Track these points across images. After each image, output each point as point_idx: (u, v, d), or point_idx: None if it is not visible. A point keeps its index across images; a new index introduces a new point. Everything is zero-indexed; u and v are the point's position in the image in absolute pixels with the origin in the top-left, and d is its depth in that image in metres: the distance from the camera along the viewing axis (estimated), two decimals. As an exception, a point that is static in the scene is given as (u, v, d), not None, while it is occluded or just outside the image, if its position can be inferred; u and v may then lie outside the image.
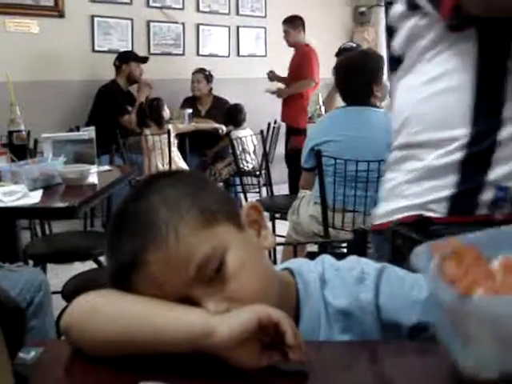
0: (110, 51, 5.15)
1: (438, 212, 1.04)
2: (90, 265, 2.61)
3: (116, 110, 4.73)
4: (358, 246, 1.24)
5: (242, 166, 4.54)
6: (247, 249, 0.76)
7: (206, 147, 5.19)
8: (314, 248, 2.87)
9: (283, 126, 5.25)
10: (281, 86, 5.34)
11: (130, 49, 5.24)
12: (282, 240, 2.90)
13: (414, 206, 1.08)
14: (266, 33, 6.21)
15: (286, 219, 2.99)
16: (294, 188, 4.88)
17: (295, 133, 4.98)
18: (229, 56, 6.11)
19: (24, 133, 2.57)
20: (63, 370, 0.75)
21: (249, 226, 0.81)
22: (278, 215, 3.61)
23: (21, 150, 2.51)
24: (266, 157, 4.14)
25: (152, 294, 0.71)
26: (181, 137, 4.86)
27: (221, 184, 4.81)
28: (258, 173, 4.75)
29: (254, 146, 4.90)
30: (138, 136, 4.60)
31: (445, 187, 1.04)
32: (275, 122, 5.12)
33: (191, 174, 0.82)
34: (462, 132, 1.02)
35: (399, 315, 0.80)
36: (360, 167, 2.46)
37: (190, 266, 0.70)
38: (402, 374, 0.61)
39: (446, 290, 0.52)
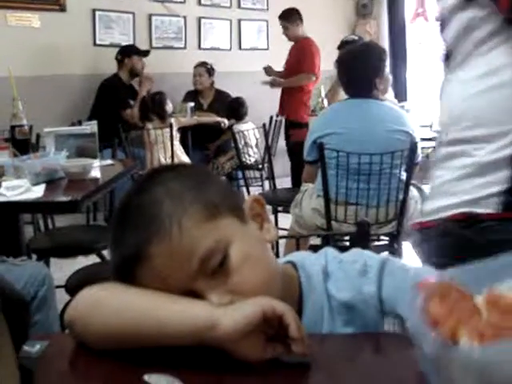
0: (111, 45, 5.14)
1: (489, 208, 1.02)
2: (93, 259, 2.61)
3: (118, 103, 4.73)
4: (361, 238, 1.24)
5: (244, 159, 4.54)
6: (250, 242, 0.76)
7: (208, 141, 5.19)
8: (316, 241, 2.87)
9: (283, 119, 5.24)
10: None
11: (131, 43, 5.23)
12: (285, 233, 2.90)
13: (463, 202, 1.05)
14: (267, 26, 6.19)
15: (288, 212, 2.99)
16: (297, 181, 4.88)
17: (296, 126, 4.96)
18: (230, 49, 6.10)
19: (26, 127, 2.57)
20: (68, 363, 0.75)
21: (252, 219, 0.81)
22: (280, 208, 3.61)
23: (23, 144, 2.51)
24: (269, 150, 4.13)
25: (155, 286, 0.72)
26: (183, 131, 4.86)
27: (223, 178, 4.81)
28: (260, 166, 4.75)
29: (257, 139, 4.89)
30: (140, 130, 4.60)
31: (496, 183, 1.01)
32: (277, 116, 5.11)
33: (194, 168, 0.82)
34: None
35: (402, 307, 0.80)
36: (362, 160, 2.46)
37: (193, 259, 0.70)
38: (405, 366, 0.62)
39: (429, 338, 0.52)
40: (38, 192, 2.00)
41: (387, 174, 2.50)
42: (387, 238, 2.71)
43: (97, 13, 5.09)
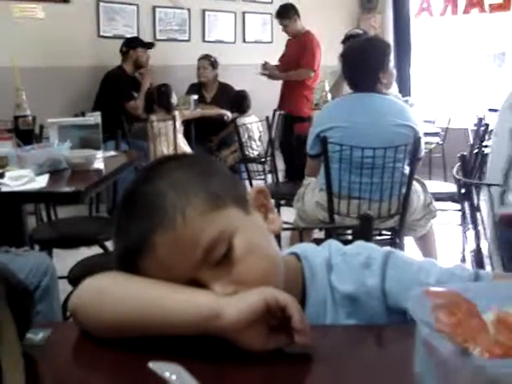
0: (115, 37, 5.14)
1: None
2: (95, 250, 2.61)
3: (122, 95, 4.73)
4: (364, 231, 1.23)
5: (247, 152, 4.54)
6: (254, 232, 0.76)
7: (211, 134, 5.19)
8: (320, 235, 2.88)
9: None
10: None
11: (135, 35, 5.22)
12: (287, 227, 2.89)
13: None
14: (272, 19, 6.17)
15: (291, 206, 2.99)
16: (291, 174, 4.88)
17: (297, 121, 4.95)
18: (235, 42, 6.09)
19: (30, 118, 2.57)
20: (71, 352, 0.76)
21: (256, 209, 0.81)
22: (283, 202, 3.61)
23: (27, 134, 2.52)
24: (272, 143, 4.13)
25: (159, 276, 0.72)
26: (186, 123, 4.86)
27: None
28: (263, 160, 4.75)
29: (260, 132, 4.89)
30: (143, 122, 4.59)
31: None
32: (276, 110, 5.10)
33: (198, 158, 0.82)
34: None
35: (405, 300, 0.80)
36: (366, 154, 2.45)
37: (197, 249, 0.70)
38: (408, 358, 0.61)
39: (444, 342, 0.52)
40: (41, 182, 2.00)
41: (390, 168, 2.50)
42: (389, 233, 2.71)
43: (101, 4, 5.08)
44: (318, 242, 0.97)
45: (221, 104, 5.17)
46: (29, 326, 0.73)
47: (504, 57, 6.48)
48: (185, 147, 4.62)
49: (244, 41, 6.14)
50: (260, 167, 4.71)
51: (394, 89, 4.13)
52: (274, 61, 5.27)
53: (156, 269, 0.72)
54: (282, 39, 5.57)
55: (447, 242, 3.51)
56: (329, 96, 4.11)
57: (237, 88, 5.28)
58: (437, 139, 5.39)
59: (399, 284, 0.81)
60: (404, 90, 5.88)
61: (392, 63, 2.74)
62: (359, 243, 0.92)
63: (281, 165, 4.92)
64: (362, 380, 0.68)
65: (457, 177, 1.89)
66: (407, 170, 2.55)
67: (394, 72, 2.78)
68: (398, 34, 6.72)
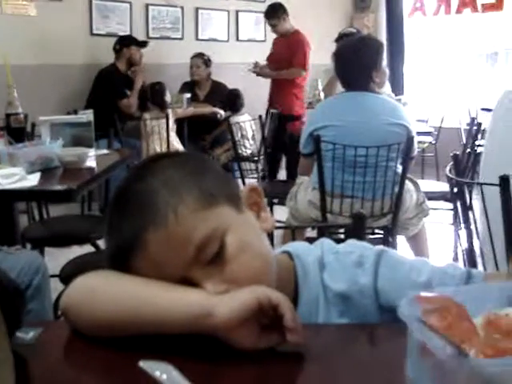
0: (108, 35, 5.12)
1: None
2: (87, 248, 2.60)
3: (115, 93, 4.72)
4: (357, 230, 1.23)
5: (240, 151, 4.53)
6: (247, 231, 0.76)
7: (204, 132, 5.18)
8: (312, 234, 2.88)
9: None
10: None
11: (128, 33, 5.20)
12: (280, 225, 2.89)
13: None
14: (265, 17, 6.17)
15: (283, 204, 2.99)
16: (274, 173, 4.88)
17: (288, 119, 4.96)
18: (228, 41, 6.08)
19: (21, 116, 2.55)
20: (62, 350, 0.75)
21: (249, 207, 0.80)
22: (275, 201, 3.61)
23: (18, 132, 2.50)
24: (265, 142, 4.13)
25: (151, 275, 0.71)
26: (179, 122, 4.85)
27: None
28: (256, 158, 4.74)
29: (253, 131, 4.88)
30: (136, 120, 4.58)
31: None
32: (274, 108, 5.10)
33: (191, 156, 0.82)
34: None
35: (398, 298, 0.80)
36: (359, 152, 2.45)
37: (189, 247, 0.70)
38: (400, 356, 0.62)
39: (440, 344, 0.52)
40: (32, 180, 1.99)
41: (383, 166, 2.50)
42: (382, 232, 2.71)
43: (94, 2, 5.06)
44: (311, 240, 0.96)
45: (214, 102, 5.16)
46: (19, 324, 0.73)
47: (496, 56, 6.51)
48: (178, 146, 4.61)
49: (237, 39, 6.13)
50: (253, 166, 4.71)
51: (387, 88, 4.14)
52: (267, 59, 5.28)
53: (148, 267, 0.72)
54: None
55: (439, 240, 3.52)
56: (322, 95, 4.12)
57: (230, 86, 5.27)
58: (429, 138, 5.41)
59: (391, 283, 0.82)
60: (397, 89, 5.90)
61: (385, 62, 2.74)
62: (352, 242, 0.92)
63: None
64: (354, 379, 0.68)
65: (449, 176, 1.89)
66: (400, 168, 2.55)
67: (387, 71, 2.78)
68: (391, 34, 6.73)
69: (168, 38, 5.64)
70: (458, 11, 6.42)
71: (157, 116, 4.51)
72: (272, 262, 0.78)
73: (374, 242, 2.64)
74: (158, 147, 4.45)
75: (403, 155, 2.53)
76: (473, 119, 3.89)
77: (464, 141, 4.08)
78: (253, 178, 4.51)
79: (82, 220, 3.17)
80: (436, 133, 5.47)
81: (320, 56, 5.21)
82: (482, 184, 1.72)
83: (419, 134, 3.37)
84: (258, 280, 0.71)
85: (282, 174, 5.12)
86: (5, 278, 0.75)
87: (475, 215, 1.90)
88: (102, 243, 2.45)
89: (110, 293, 0.73)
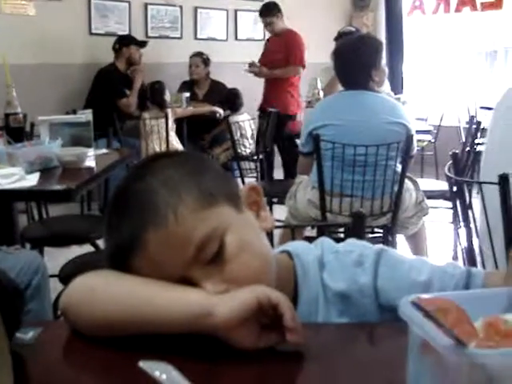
0: (107, 34, 5.11)
1: None
2: (87, 248, 2.60)
3: (114, 92, 4.72)
4: (356, 229, 1.23)
5: (239, 150, 4.53)
6: (246, 230, 0.76)
7: (203, 132, 5.18)
8: (312, 233, 2.88)
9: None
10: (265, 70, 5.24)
11: (127, 32, 5.21)
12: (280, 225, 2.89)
13: None
14: (264, 17, 6.16)
15: (283, 203, 2.99)
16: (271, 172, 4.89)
17: (286, 119, 4.97)
18: (227, 40, 6.07)
19: (20, 115, 2.55)
20: (61, 350, 0.75)
21: (248, 207, 0.80)
22: (275, 200, 3.60)
23: (17, 132, 2.50)
24: (264, 141, 4.12)
25: (151, 274, 0.71)
26: (178, 121, 4.85)
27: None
28: (255, 158, 4.74)
29: (252, 130, 4.88)
30: (135, 120, 4.58)
31: None
32: (272, 107, 5.10)
33: (190, 155, 0.82)
34: None
35: (397, 298, 0.80)
36: (358, 151, 2.45)
37: (189, 247, 0.70)
38: (400, 355, 0.61)
39: (442, 337, 0.52)
40: (32, 180, 1.99)
41: (382, 165, 2.50)
42: (381, 231, 2.71)
43: (92, 1, 5.06)
44: (310, 239, 0.96)
45: (213, 102, 5.16)
46: (19, 324, 0.73)
47: (496, 55, 6.50)
48: (177, 145, 4.60)
49: (236, 38, 6.13)
50: (252, 165, 4.71)
51: (386, 87, 4.14)
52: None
53: (147, 267, 0.72)
54: (274, 37, 5.56)
55: (439, 239, 3.52)
56: (321, 94, 4.11)
57: (229, 86, 5.26)
58: (429, 137, 5.41)
59: (391, 282, 0.81)
60: (396, 87, 5.90)
61: (384, 61, 2.74)
62: (351, 241, 0.91)
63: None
64: (353, 378, 0.68)
65: (448, 175, 1.89)
66: (399, 167, 2.55)
67: (386, 70, 2.78)
68: (390, 32, 6.73)
69: (167, 37, 5.64)
70: (458, 10, 6.42)
71: (156, 115, 4.51)
72: (272, 262, 0.78)
73: (374, 240, 2.66)
74: (157, 147, 4.45)
75: (403, 154, 2.53)
76: (472, 117, 3.89)
77: (463, 139, 4.07)
78: (252, 177, 4.51)
79: (82, 220, 3.17)
80: (435, 131, 5.46)
81: (319, 55, 5.20)
82: (481, 183, 1.72)
83: (418, 132, 3.37)
84: (257, 279, 0.71)
85: (277, 173, 5.11)
86: (4, 277, 0.75)
87: (475, 214, 1.90)
88: (101, 243, 2.44)
89: (110, 292, 0.73)
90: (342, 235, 2.47)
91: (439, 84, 6.70)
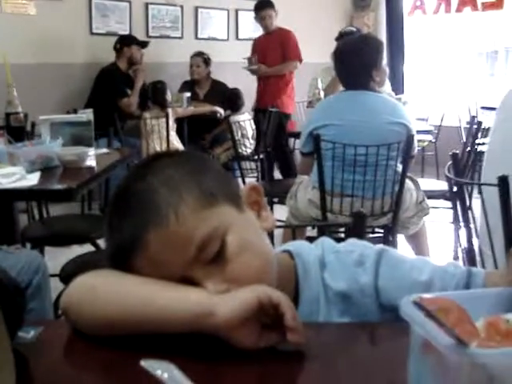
0: (108, 34, 5.11)
1: None
2: (87, 248, 2.60)
3: (115, 92, 4.72)
4: (357, 229, 1.23)
5: (240, 150, 4.53)
6: (247, 230, 0.76)
7: (204, 131, 5.18)
8: (312, 233, 2.88)
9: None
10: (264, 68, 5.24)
11: (128, 32, 5.21)
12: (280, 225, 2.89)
13: None
14: (265, 16, 6.15)
15: (283, 203, 2.99)
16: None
17: (284, 118, 4.98)
18: (228, 40, 6.07)
19: (21, 115, 2.55)
20: (63, 349, 0.75)
21: (249, 207, 0.80)
22: (276, 199, 3.60)
23: (18, 131, 2.50)
24: (265, 141, 4.12)
25: (152, 274, 0.71)
26: (179, 121, 4.84)
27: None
28: (256, 157, 4.74)
29: (253, 130, 4.88)
30: (136, 119, 4.58)
31: None
32: (273, 106, 5.10)
33: (191, 155, 0.82)
34: None
35: (398, 297, 0.80)
36: (359, 151, 2.45)
37: (190, 247, 0.70)
38: (401, 355, 0.62)
39: (443, 336, 0.53)
40: (32, 180, 1.99)
41: (383, 165, 2.50)
42: (382, 231, 2.71)
43: (93, 1, 5.05)
44: (311, 239, 0.96)
45: (214, 101, 5.16)
46: (21, 323, 0.73)
47: (496, 55, 6.50)
48: (177, 145, 4.60)
49: (237, 38, 6.13)
50: (253, 165, 4.70)
51: (387, 87, 4.14)
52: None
53: (148, 267, 0.72)
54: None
55: (440, 239, 3.52)
56: (322, 94, 4.11)
57: (229, 85, 5.26)
58: (429, 137, 5.41)
59: (392, 282, 0.82)
60: (397, 88, 5.90)
61: (385, 61, 2.74)
62: (352, 241, 0.91)
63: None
64: (354, 378, 0.68)
65: (448, 176, 1.89)
66: (400, 167, 2.55)
67: (387, 70, 2.78)
68: (391, 32, 6.73)
69: (168, 36, 5.63)
70: (458, 10, 6.42)
71: (157, 115, 4.51)
72: (273, 261, 0.78)
73: (375, 240, 2.66)
74: (157, 146, 4.45)
75: (403, 154, 2.53)
76: (473, 118, 3.89)
77: (464, 139, 4.07)
78: (253, 177, 4.51)
79: (82, 219, 3.17)
80: (436, 131, 5.46)
81: (320, 54, 5.21)
82: (480, 184, 1.72)
83: (419, 132, 3.37)
84: (258, 279, 0.71)
85: (278, 173, 5.11)
86: (5, 277, 0.75)
87: (475, 214, 1.90)
88: (102, 242, 2.44)
89: (111, 292, 0.73)
90: (342, 235, 2.47)
91: (440, 84, 6.69)
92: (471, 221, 1.87)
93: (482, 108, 5.06)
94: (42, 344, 0.74)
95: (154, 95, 4.63)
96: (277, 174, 5.06)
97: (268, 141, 4.28)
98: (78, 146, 2.43)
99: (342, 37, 4.34)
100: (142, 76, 4.87)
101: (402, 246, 2.89)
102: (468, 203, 1.89)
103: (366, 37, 3.27)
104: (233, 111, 4.97)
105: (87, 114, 2.72)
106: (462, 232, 1.92)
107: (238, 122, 4.63)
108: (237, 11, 6.07)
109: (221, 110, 5.03)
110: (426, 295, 0.61)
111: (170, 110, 4.54)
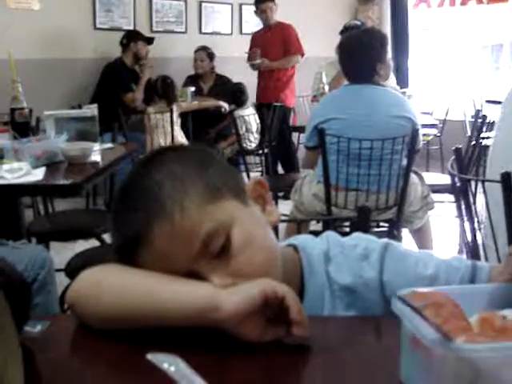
0: (111, 29, 5.11)
1: None
2: (93, 243, 2.61)
3: (120, 87, 4.73)
4: (362, 223, 1.23)
5: (244, 145, 4.53)
6: (253, 224, 0.76)
7: (208, 126, 5.17)
8: (317, 227, 2.88)
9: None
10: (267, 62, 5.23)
11: (131, 27, 5.21)
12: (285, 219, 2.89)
13: None
14: (269, 10, 6.13)
15: (288, 198, 2.99)
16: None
17: (288, 112, 4.98)
18: (231, 34, 6.06)
19: (26, 110, 2.55)
20: (69, 344, 0.76)
21: (254, 201, 0.80)
22: (281, 194, 3.60)
23: (23, 127, 2.50)
24: (269, 136, 4.12)
25: (157, 268, 0.72)
26: (183, 115, 4.84)
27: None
28: (261, 152, 4.74)
29: (257, 124, 4.87)
30: (140, 114, 4.58)
31: None
32: (277, 101, 5.09)
33: (196, 149, 0.82)
34: None
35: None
36: (364, 145, 2.45)
37: (195, 241, 0.70)
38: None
39: (429, 331, 0.53)
40: (38, 175, 1.99)
41: (388, 159, 2.49)
42: (387, 225, 2.71)
43: (97, -4, 5.05)
44: (316, 234, 0.96)
45: (218, 96, 5.15)
46: (27, 318, 0.73)
47: (502, 48, 6.47)
48: (182, 139, 4.60)
49: (241, 32, 6.11)
50: (257, 159, 4.70)
51: (392, 81, 4.12)
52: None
53: (154, 261, 0.72)
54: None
55: (445, 233, 3.51)
56: (326, 88, 4.10)
57: (233, 80, 5.26)
58: (434, 131, 5.39)
59: (397, 275, 0.82)
60: (402, 81, 5.87)
61: (389, 55, 2.73)
62: (357, 235, 0.91)
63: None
64: (360, 370, 0.68)
65: (451, 172, 1.88)
66: (405, 161, 2.55)
67: (392, 64, 2.77)
68: (395, 26, 6.70)
69: (171, 31, 5.62)
70: (463, 3, 6.39)
71: (161, 110, 4.51)
72: (278, 255, 0.78)
73: (379, 235, 2.65)
74: (162, 141, 4.44)
75: (408, 148, 2.52)
76: (478, 111, 3.87)
77: (469, 133, 4.06)
78: (257, 171, 4.51)
79: (87, 214, 3.18)
80: (441, 125, 5.45)
81: (324, 48, 5.19)
82: (483, 181, 1.72)
83: (424, 126, 3.36)
84: (264, 273, 0.71)
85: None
86: (12, 271, 0.75)
87: (479, 209, 1.89)
88: (107, 237, 2.45)
89: (116, 286, 0.73)
90: (347, 229, 2.47)
91: (445, 78, 6.67)
92: (475, 215, 1.86)
93: (487, 102, 5.03)
94: (49, 338, 0.74)
95: (164, 90, 4.61)
96: (280, 169, 5.06)
97: (272, 135, 4.28)
98: (83, 141, 2.44)
99: (346, 30, 4.32)
100: (148, 71, 4.88)
101: (407, 241, 2.88)
102: (472, 198, 1.88)
103: (371, 30, 3.26)
104: (237, 106, 4.97)
105: (92, 109, 2.72)
106: (467, 226, 1.92)
107: (243, 117, 4.63)
108: (241, 5, 6.06)
109: (225, 105, 5.02)
110: (420, 289, 0.61)
111: (174, 105, 4.54)
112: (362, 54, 2.57)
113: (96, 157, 2.36)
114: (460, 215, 1.95)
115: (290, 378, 0.68)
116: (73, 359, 0.73)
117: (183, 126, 4.79)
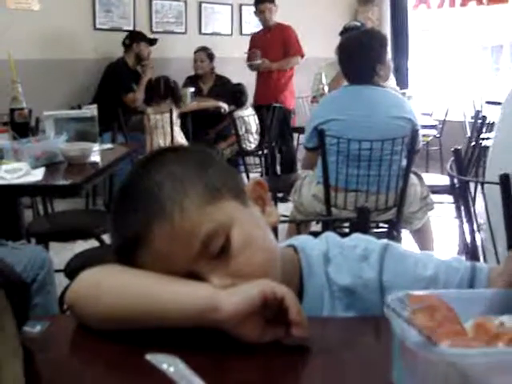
0: (111, 29, 5.11)
1: None
2: (92, 243, 2.61)
3: (121, 87, 4.73)
4: (361, 224, 1.23)
5: (244, 145, 4.53)
6: (252, 225, 0.76)
7: (208, 127, 5.17)
8: (317, 228, 2.88)
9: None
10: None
11: (131, 27, 5.21)
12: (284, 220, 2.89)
13: None
14: (268, 11, 6.13)
15: (287, 199, 2.99)
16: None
17: (288, 114, 4.98)
18: (231, 35, 6.06)
19: (26, 111, 2.55)
20: (69, 344, 0.76)
21: (254, 202, 0.80)
22: (280, 195, 3.60)
23: (23, 127, 2.51)
24: (269, 136, 4.12)
25: (157, 269, 0.72)
26: (183, 116, 4.84)
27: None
28: (260, 153, 4.74)
29: (257, 125, 4.88)
30: (139, 115, 4.58)
31: None
32: (276, 102, 5.09)
33: (196, 150, 0.82)
34: None
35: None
36: (363, 146, 2.45)
37: (194, 242, 0.70)
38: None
39: (414, 335, 0.53)
40: (37, 175, 2.00)
41: (388, 160, 2.50)
42: (386, 225, 2.71)
43: (96, -4, 5.05)
44: (315, 234, 0.96)
45: (217, 96, 5.15)
46: (26, 318, 0.73)
47: (501, 49, 6.48)
48: (181, 140, 4.60)
49: (241, 33, 6.11)
50: (257, 160, 4.70)
51: (391, 81, 4.12)
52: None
53: (153, 261, 0.72)
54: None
55: (444, 234, 3.51)
56: (326, 89, 4.10)
57: (233, 81, 5.26)
58: (434, 132, 5.40)
59: (397, 276, 0.82)
60: (402, 82, 5.88)
61: (389, 56, 2.73)
62: (356, 236, 0.91)
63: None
64: (359, 371, 0.68)
65: (450, 173, 1.88)
66: (404, 162, 2.55)
67: (391, 64, 2.77)
68: (395, 27, 6.70)
69: (171, 32, 5.63)
70: (463, 4, 6.39)
71: (161, 110, 4.50)
72: (277, 256, 0.78)
73: (379, 235, 2.65)
74: (161, 141, 4.44)
75: (408, 149, 2.52)
76: (477, 112, 3.87)
77: (469, 134, 4.06)
78: (257, 172, 4.51)
79: (87, 215, 3.18)
80: (440, 126, 5.45)
81: (324, 49, 5.20)
82: (483, 183, 1.72)
83: (423, 127, 3.36)
84: (263, 274, 0.71)
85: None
86: (12, 272, 0.75)
87: (478, 210, 1.89)
88: (106, 238, 2.45)
89: (116, 287, 0.73)
90: (347, 230, 2.47)
91: (444, 79, 6.67)
92: (474, 217, 1.86)
93: (487, 102, 5.04)
94: (48, 339, 0.74)
95: (170, 91, 4.59)
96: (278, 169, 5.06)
97: (272, 136, 4.28)
98: (83, 141, 2.44)
99: (346, 31, 4.33)
100: (150, 72, 4.88)
101: (407, 241, 2.89)
102: (471, 199, 1.88)
103: (370, 31, 3.26)
104: (237, 106, 4.97)
105: (91, 110, 2.73)
106: (466, 228, 1.91)
107: (242, 117, 4.63)
108: (240, 6, 6.06)
109: (225, 105, 5.03)
110: (415, 292, 0.61)
111: (181, 105, 4.53)
112: (362, 55, 2.57)
113: (95, 157, 2.36)
114: (459, 216, 1.95)
115: (289, 378, 0.68)
116: (72, 359, 0.73)
117: (183, 127, 4.79)
